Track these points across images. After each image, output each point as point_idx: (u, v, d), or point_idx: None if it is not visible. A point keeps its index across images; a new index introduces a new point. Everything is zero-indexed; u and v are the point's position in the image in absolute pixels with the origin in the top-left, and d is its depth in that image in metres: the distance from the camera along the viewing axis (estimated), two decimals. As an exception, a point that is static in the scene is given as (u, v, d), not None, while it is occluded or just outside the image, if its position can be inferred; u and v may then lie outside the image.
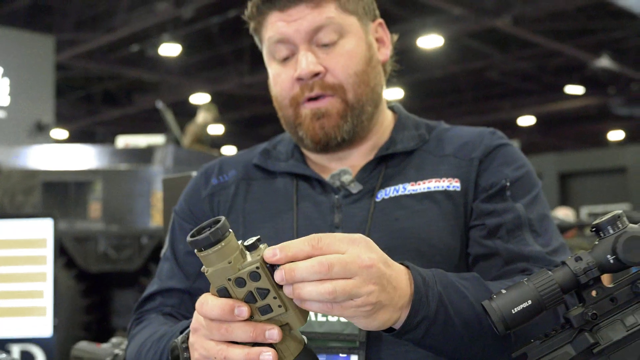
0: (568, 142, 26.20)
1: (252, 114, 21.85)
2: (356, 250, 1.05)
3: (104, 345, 1.92)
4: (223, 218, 1.03)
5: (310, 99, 1.53)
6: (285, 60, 1.55)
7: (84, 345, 1.92)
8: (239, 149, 21.45)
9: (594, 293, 1.07)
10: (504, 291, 1.07)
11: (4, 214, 2.47)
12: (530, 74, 18.52)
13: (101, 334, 9.08)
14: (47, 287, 2.80)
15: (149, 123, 21.93)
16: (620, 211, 1.09)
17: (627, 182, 13.36)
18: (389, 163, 1.55)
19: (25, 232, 2.81)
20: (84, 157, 9.37)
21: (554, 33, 14.65)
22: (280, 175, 1.60)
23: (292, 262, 1.03)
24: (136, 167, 9.14)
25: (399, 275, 1.13)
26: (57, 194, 9.02)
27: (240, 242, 1.05)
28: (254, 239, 1.05)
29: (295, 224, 1.50)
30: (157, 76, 17.53)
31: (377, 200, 1.49)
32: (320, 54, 1.52)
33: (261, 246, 1.05)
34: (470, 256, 1.46)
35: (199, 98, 18.84)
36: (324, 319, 1.38)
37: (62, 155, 9.41)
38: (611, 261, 1.06)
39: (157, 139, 9.86)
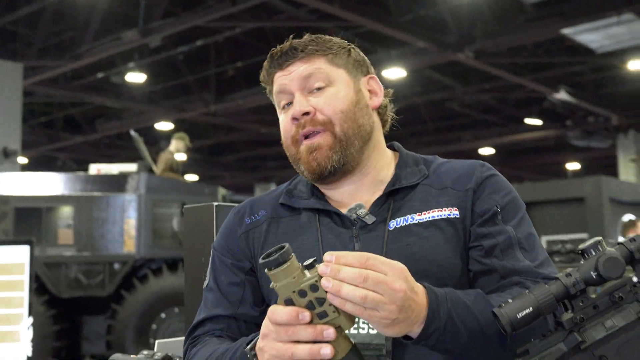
0: (527, 173, 26.62)
1: (214, 142, 21.90)
2: (393, 275, 1.31)
3: (139, 356, 2.07)
4: (287, 244, 1.29)
5: (306, 138, 1.77)
6: (285, 107, 1.82)
7: (119, 357, 2.06)
8: (200, 177, 21.12)
9: (580, 302, 1.32)
10: (510, 300, 1.31)
11: (-19, 241, 2.53)
12: (491, 106, 18.87)
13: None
14: (23, 313, 2.87)
15: (112, 150, 21.82)
16: (600, 238, 1.34)
17: (585, 213, 13.66)
18: (395, 197, 1.77)
19: (2, 258, 2.87)
20: (56, 184, 9.40)
21: (513, 67, 14.99)
22: (304, 211, 1.81)
23: None
24: (109, 194, 9.21)
25: (420, 299, 1.39)
26: (29, 220, 9.03)
27: (299, 263, 1.30)
28: (311, 260, 1.30)
29: (321, 253, 1.68)
30: (121, 103, 17.50)
31: (390, 229, 1.71)
32: (311, 98, 1.77)
33: (317, 265, 1.29)
34: (471, 272, 1.69)
35: (164, 126, 18.87)
36: (355, 331, 1.61)
37: (34, 181, 9.44)
38: (594, 276, 1.31)
39: (129, 167, 9.94)
